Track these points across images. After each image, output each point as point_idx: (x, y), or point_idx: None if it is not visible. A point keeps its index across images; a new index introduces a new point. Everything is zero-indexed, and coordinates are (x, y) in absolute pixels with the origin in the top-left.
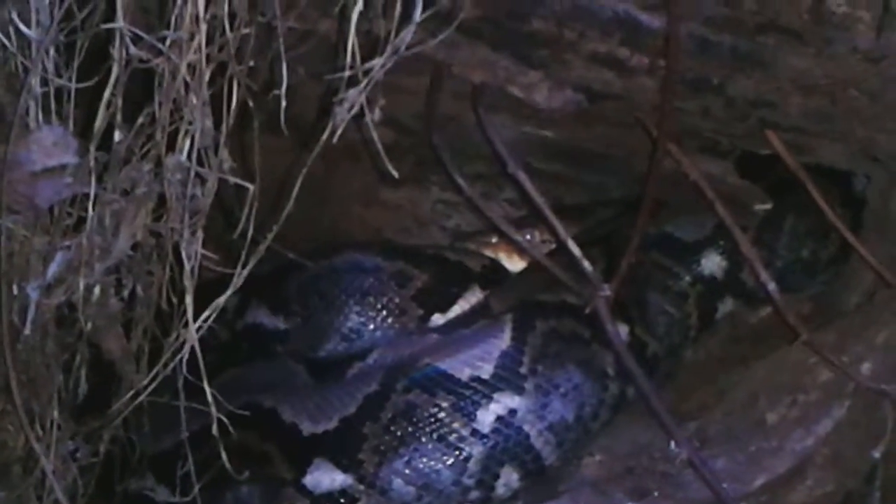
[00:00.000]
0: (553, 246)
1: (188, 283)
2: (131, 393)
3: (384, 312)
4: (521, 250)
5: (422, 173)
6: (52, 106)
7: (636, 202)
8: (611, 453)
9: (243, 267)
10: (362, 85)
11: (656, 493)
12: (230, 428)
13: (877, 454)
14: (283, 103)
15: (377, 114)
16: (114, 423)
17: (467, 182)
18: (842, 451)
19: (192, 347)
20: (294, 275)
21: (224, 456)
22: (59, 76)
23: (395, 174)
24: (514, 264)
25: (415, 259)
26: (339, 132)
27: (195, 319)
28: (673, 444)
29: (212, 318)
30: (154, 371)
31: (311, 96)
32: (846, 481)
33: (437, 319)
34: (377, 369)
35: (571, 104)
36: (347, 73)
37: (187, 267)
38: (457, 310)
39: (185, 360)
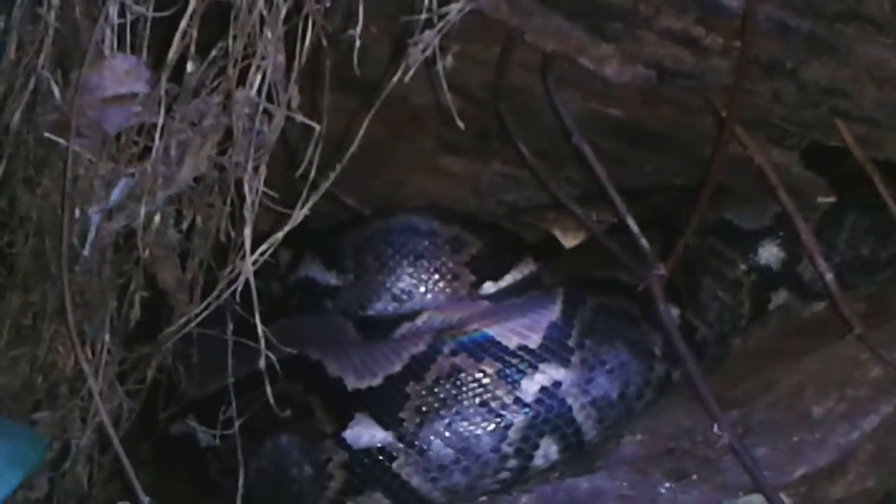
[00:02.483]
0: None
1: (248, 216)
2: (183, 320)
3: (436, 276)
4: (577, 227)
5: (484, 145)
6: (128, 34)
7: (697, 188)
8: (652, 434)
9: (301, 208)
10: (438, 27)
11: (695, 476)
12: (277, 369)
13: None
14: (357, 43)
15: (449, 61)
16: (163, 347)
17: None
18: (886, 449)
19: (245, 281)
20: (350, 232)
21: (271, 399)
22: (137, 4)
23: (461, 125)
24: (569, 241)
25: (471, 226)
26: (411, 73)
27: (252, 253)
28: (715, 428)
29: (268, 253)
30: (207, 300)
31: (380, 58)
32: (888, 479)
33: (489, 287)
34: (425, 331)
35: (641, 79)
36: (424, 15)
37: (248, 200)
38: (509, 279)
39: (238, 292)
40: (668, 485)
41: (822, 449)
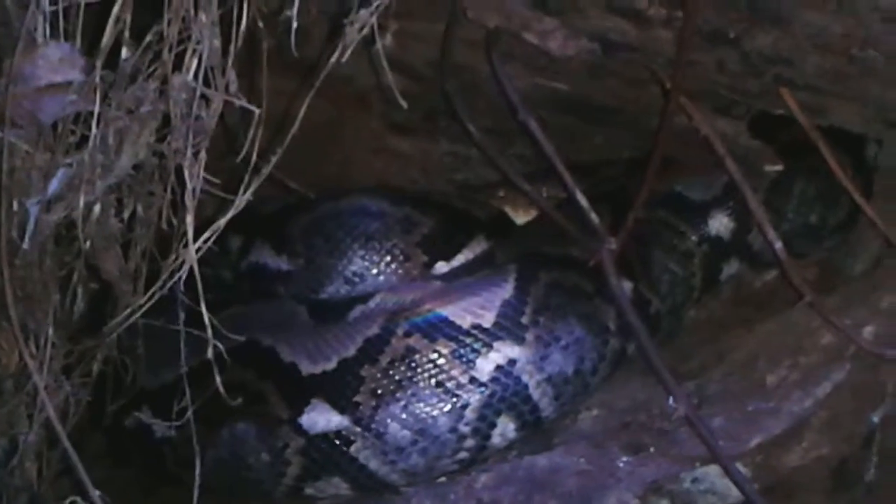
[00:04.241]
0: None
1: (189, 204)
2: (127, 311)
3: (388, 257)
4: (527, 204)
5: (432, 124)
6: (61, 21)
7: (645, 161)
8: (608, 408)
9: (244, 192)
10: (374, 5)
11: (651, 449)
12: (227, 359)
13: (875, 419)
14: (295, 24)
15: (388, 39)
16: (108, 339)
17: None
18: (840, 415)
19: (191, 269)
20: (299, 216)
21: (222, 391)
22: None
23: (404, 104)
24: (521, 218)
25: (421, 205)
26: (348, 53)
27: (195, 241)
28: (670, 400)
29: (211, 240)
30: (152, 290)
31: (320, 38)
32: (842, 445)
33: (441, 267)
34: (378, 313)
35: (586, 53)
36: None
37: (189, 187)
38: (461, 258)
39: (182, 280)
40: (625, 458)
41: (776, 417)
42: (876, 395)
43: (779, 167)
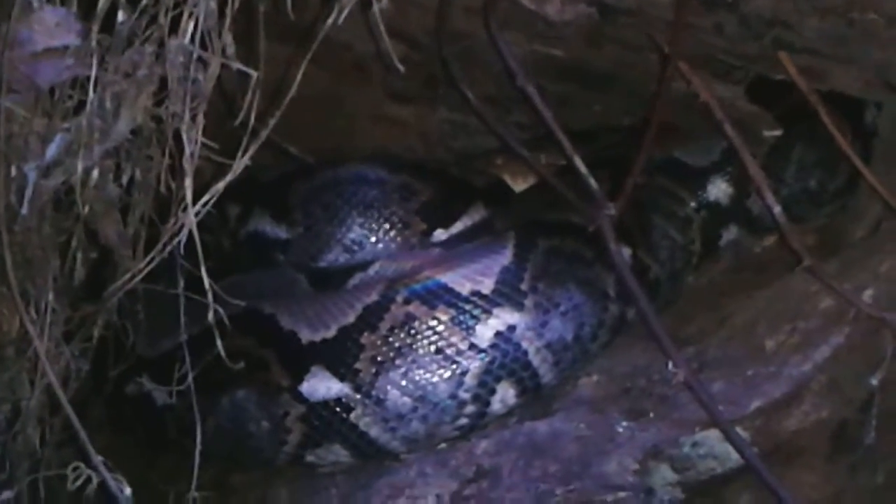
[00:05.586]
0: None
1: (188, 167)
2: (127, 276)
3: (387, 225)
4: (526, 171)
5: (431, 91)
6: None
7: (644, 127)
8: (608, 374)
9: (242, 156)
10: None
11: (651, 414)
12: (227, 325)
13: (874, 382)
14: None
15: (385, 3)
16: (108, 304)
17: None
18: (839, 378)
19: (191, 236)
20: (298, 184)
21: (223, 355)
22: None
23: (401, 68)
24: (519, 185)
25: (420, 173)
26: (343, 15)
27: (194, 205)
28: (670, 365)
29: (210, 204)
30: (151, 255)
31: (317, 1)
32: (842, 408)
33: (440, 235)
34: (378, 280)
35: (583, 18)
36: None
37: (187, 151)
38: (460, 226)
39: (182, 245)
40: (625, 423)
41: (776, 381)
42: (875, 358)
43: (777, 132)
